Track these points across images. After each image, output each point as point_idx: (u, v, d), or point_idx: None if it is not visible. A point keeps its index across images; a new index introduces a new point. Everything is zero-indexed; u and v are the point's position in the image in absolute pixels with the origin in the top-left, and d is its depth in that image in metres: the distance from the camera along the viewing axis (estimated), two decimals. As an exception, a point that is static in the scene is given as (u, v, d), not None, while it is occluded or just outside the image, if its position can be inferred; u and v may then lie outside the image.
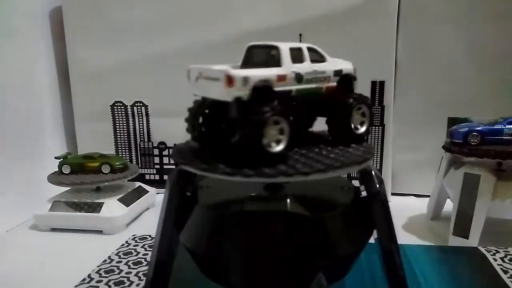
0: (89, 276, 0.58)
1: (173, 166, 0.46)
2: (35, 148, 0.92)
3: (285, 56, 0.41)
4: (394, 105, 0.90)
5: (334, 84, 0.44)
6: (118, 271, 0.60)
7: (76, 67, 0.97)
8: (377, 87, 0.88)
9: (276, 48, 0.41)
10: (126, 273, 0.59)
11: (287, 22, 0.87)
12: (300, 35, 0.87)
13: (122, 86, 0.96)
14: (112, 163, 0.81)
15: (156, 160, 1.00)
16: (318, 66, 0.43)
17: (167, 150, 0.99)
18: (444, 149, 0.72)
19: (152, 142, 0.99)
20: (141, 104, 0.97)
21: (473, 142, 0.67)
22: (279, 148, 0.38)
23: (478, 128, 0.67)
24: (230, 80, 0.37)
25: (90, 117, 0.99)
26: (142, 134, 0.99)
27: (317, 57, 0.44)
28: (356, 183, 0.47)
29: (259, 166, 0.37)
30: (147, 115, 0.98)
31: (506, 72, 0.85)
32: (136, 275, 0.58)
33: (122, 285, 0.56)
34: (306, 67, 0.42)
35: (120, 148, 1.00)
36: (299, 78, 0.41)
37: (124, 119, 0.99)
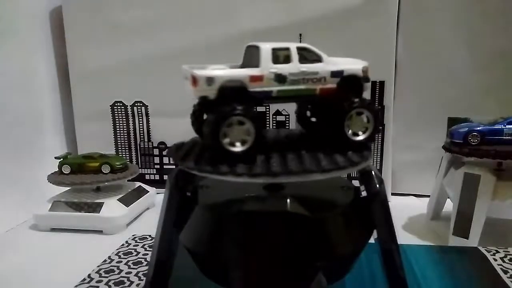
0: (89, 276, 0.58)
1: (173, 166, 0.46)
2: (35, 148, 0.92)
3: (264, 56, 0.40)
4: (394, 105, 0.90)
5: (333, 85, 0.42)
6: (118, 271, 0.60)
7: (76, 67, 0.97)
8: (377, 87, 0.88)
9: (257, 48, 0.41)
10: (126, 273, 0.59)
11: (287, 22, 0.87)
12: (300, 35, 0.87)
13: (122, 86, 0.96)
14: (112, 163, 0.81)
15: (156, 160, 1.00)
16: (309, 67, 0.41)
17: (167, 150, 0.99)
18: (444, 149, 0.72)
19: (152, 142, 0.99)
20: (141, 104, 0.97)
21: (473, 142, 0.67)
22: (241, 148, 0.39)
23: (478, 128, 0.67)
24: (194, 80, 0.39)
25: (90, 117, 0.99)
26: (142, 134, 0.99)
27: (311, 57, 0.42)
28: (356, 183, 0.47)
29: (218, 164, 0.38)
30: (147, 115, 0.98)
31: (506, 72, 0.85)
32: (136, 275, 0.58)
33: (122, 285, 0.56)
34: (291, 67, 0.41)
35: (120, 148, 1.00)
36: (280, 78, 0.40)
37: (124, 119, 0.99)
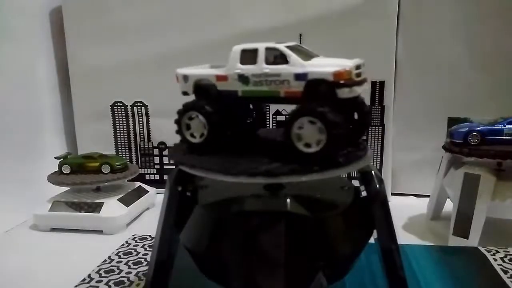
0: (89, 276, 0.58)
1: (173, 166, 0.46)
2: (35, 148, 0.92)
3: (233, 57, 0.42)
4: (394, 105, 0.90)
5: (299, 89, 0.39)
6: (118, 271, 0.60)
7: (76, 67, 0.97)
8: (377, 87, 0.88)
9: None
10: (126, 273, 0.59)
11: (287, 22, 0.87)
12: (300, 35, 0.87)
13: (122, 86, 0.96)
14: (112, 163, 0.81)
15: (156, 160, 1.00)
16: (272, 68, 0.40)
17: (167, 150, 0.99)
18: (444, 149, 0.72)
19: (152, 142, 0.99)
20: (141, 104, 0.97)
21: (473, 142, 0.67)
22: (198, 140, 0.43)
23: (478, 128, 0.67)
24: (176, 77, 0.46)
25: (90, 117, 0.99)
26: (142, 134, 0.99)
27: (280, 58, 0.40)
28: (356, 183, 0.47)
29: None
30: (147, 115, 0.98)
31: (506, 72, 0.85)
32: (136, 275, 0.58)
33: (122, 285, 0.56)
34: (255, 68, 0.40)
35: (120, 148, 1.00)
36: (243, 79, 0.41)
37: (124, 119, 0.99)
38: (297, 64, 0.39)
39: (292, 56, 0.40)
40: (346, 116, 0.39)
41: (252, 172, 0.37)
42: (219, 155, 0.42)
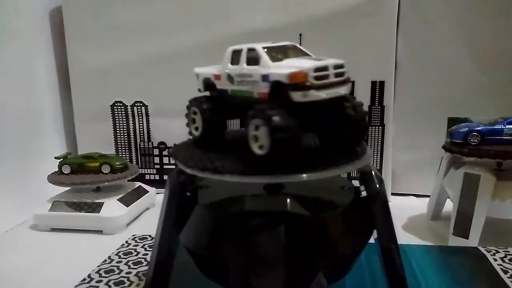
0: (89, 276, 0.58)
1: (173, 166, 0.47)
2: (35, 148, 0.92)
3: (226, 57, 0.43)
4: (394, 105, 0.90)
5: (266, 91, 0.38)
6: (118, 271, 0.60)
7: (76, 67, 0.97)
8: (377, 87, 0.88)
9: None
10: (126, 273, 0.59)
11: (287, 22, 0.87)
12: (300, 35, 0.87)
13: (122, 86, 0.96)
14: (112, 163, 0.81)
15: (156, 160, 1.00)
16: (248, 69, 0.40)
17: (167, 150, 0.99)
18: (444, 149, 0.72)
19: (152, 142, 0.99)
20: (141, 104, 0.97)
21: (473, 142, 0.67)
22: (198, 133, 0.46)
23: (478, 128, 0.67)
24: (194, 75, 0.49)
25: (90, 117, 0.99)
26: (142, 134, 0.99)
27: (255, 59, 0.40)
28: (356, 183, 0.47)
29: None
30: (147, 115, 0.98)
31: (506, 72, 0.85)
32: (136, 275, 0.58)
33: (122, 285, 0.56)
34: (238, 68, 0.42)
35: (120, 148, 1.00)
36: (230, 79, 0.43)
37: (124, 119, 0.99)
38: (265, 65, 0.39)
39: (263, 57, 0.39)
40: (306, 120, 0.37)
41: (203, 167, 0.39)
42: (211, 150, 0.43)
